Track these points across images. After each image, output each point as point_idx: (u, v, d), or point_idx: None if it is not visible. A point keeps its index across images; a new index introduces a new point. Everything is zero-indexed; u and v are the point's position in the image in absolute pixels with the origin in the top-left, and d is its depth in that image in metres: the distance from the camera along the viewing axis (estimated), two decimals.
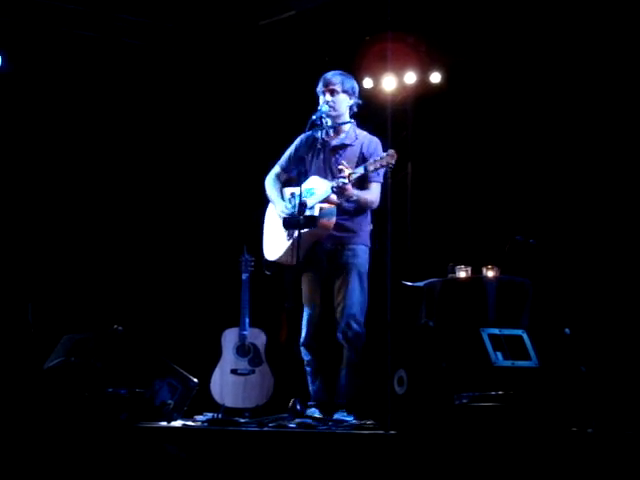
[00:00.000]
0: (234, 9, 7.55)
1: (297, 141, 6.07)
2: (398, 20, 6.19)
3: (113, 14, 7.54)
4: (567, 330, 5.25)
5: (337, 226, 5.77)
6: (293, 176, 6.06)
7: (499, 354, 5.16)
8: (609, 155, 6.34)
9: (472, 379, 5.00)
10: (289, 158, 6.07)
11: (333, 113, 5.89)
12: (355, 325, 5.74)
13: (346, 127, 5.95)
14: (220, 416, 6.06)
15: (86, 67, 7.68)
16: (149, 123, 7.94)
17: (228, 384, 6.68)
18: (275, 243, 6.00)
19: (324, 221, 5.72)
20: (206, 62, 7.97)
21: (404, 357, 5.12)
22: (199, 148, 8.04)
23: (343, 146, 5.93)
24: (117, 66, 7.76)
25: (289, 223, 5.81)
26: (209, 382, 6.69)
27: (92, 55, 7.65)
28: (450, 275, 5.94)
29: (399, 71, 7.22)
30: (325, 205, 5.72)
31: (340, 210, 5.77)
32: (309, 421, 5.42)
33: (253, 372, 6.69)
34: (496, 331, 5.27)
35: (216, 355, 6.79)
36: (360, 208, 5.81)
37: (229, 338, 6.79)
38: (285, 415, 5.54)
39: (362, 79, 7.03)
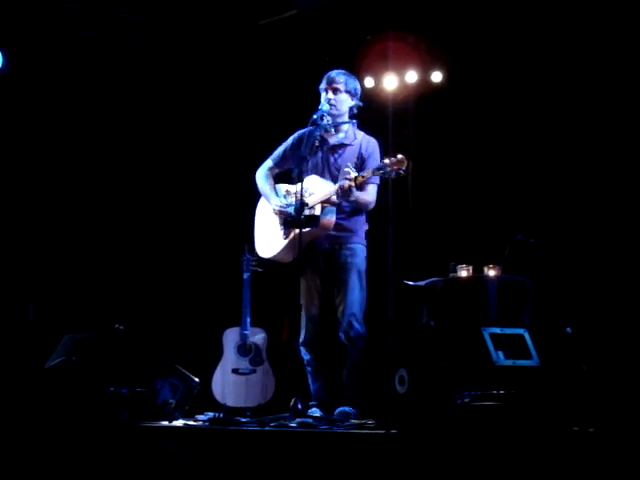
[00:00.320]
0: (235, 9, 7.55)
1: (293, 137, 6.07)
2: (399, 19, 6.19)
3: (113, 13, 7.54)
4: (568, 329, 5.25)
5: (335, 226, 5.79)
6: (284, 171, 6.07)
7: (500, 353, 5.15)
8: (610, 154, 6.33)
9: (473, 378, 5.00)
10: (284, 153, 6.07)
11: (334, 112, 5.90)
12: (356, 324, 5.76)
13: (345, 127, 5.96)
14: (221, 415, 6.05)
15: (86, 67, 7.68)
16: (150, 123, 7.94)
17: (229, 383, 6.69)
18: (270, 240, 6.00)
19: (325, 221, 5.73)
20: (207, 62, 7.97)
21: (405, 356, 5.12)
22: (201, 147, 8.04)
23: (342, 145, 5.93)
24: (117, 66, 7.76)
25: (290, 222, 5.81)
26: (210, 381, 6.70)
27: (92, 55, 7.65)
28: (451, 274, 5.93)
29: (400, 70, 7.21)
30: (327, 205, 5.73)
31: (337, 210, 5.79)
32: (310, 421, 5.42)
33: (254, 371, 6.69)
34: (497, 330, 5.26)
35: (217, 354, 6.79)
36: (357, 208, 5.84)
37: (230, 337, 6.79)
38: (286, 415, 5.53)
39: (363, 78, 7.02)
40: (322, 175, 5.86)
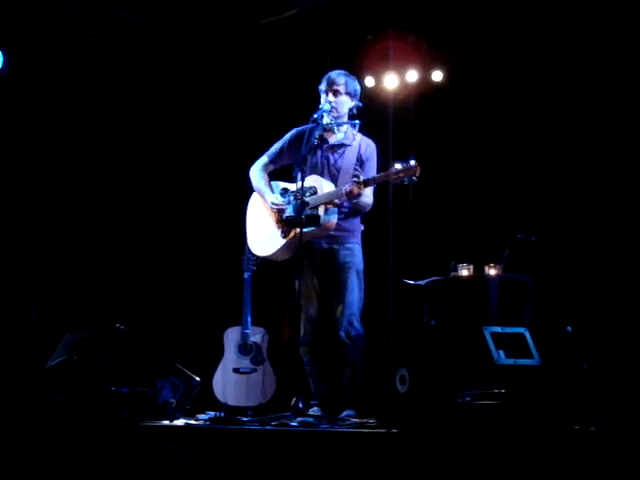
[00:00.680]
0: (235, 8, 7.55)
1: (290, 134, 6.06)
2: (400, 18, 6.19)
3: (113, 13, 7.54)
4: (569, 328, 5.25)
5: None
6: (279, 168, 6.07)
7: (501, 352, 5.15)
8: (610, 153, 6.33)
9: (474, 377, 4.99)
10: (280, 151, 6.06)
11: (334, 114, 5.91)
12: (356, 323, 5.78)
13: (344, 127, 5.97)
14: (222, 415, 6.06)
15: (86, 67, 7.68)
16: (150, 122, 7.94)
17: (230, 383, 6.69)
18: (266, 238, 5.98)
19: (327, 222, 5.73)
20: (207, 61, 7.97)
21: (406, 356, 5.12)
22: (201, 147, 8.04)
23: (342, 145, 5.94)
24: (117, 66, 7.76)
25: (290, 221, 5.81)
26: (211, 381, 6.70)
27: (92, 55, 7.66)
28: (452, 273, 5.92)
29: (401, 69, 7.21)
30: (329, 205, 5.73)
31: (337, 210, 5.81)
32: (311, 420, 5.42)
33: (255, 371, 6.70)
34: (498, 329, 5.26)
35: (218, 354, 6.80)
36: (355, 209, 5.85)
37: (231, 337, 6.80)
38: (287, 414, 5.53)
39: (364, 78, 7.02)
40: (321, 174, 5.86)
